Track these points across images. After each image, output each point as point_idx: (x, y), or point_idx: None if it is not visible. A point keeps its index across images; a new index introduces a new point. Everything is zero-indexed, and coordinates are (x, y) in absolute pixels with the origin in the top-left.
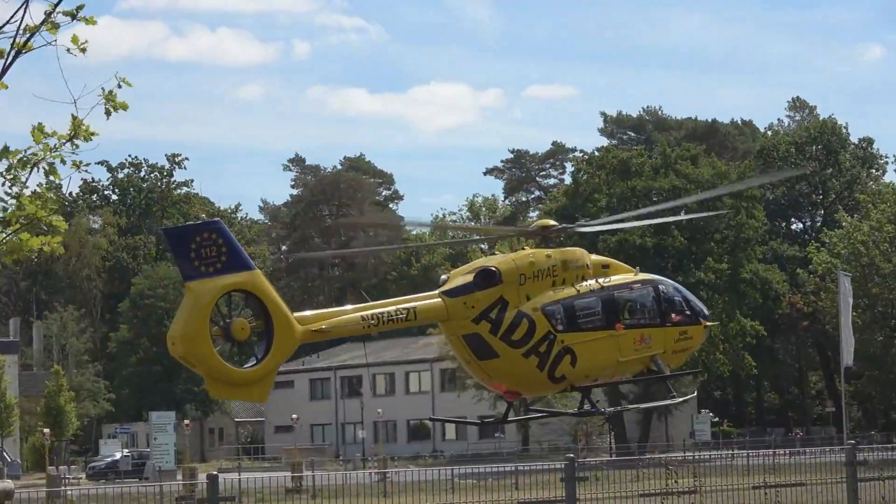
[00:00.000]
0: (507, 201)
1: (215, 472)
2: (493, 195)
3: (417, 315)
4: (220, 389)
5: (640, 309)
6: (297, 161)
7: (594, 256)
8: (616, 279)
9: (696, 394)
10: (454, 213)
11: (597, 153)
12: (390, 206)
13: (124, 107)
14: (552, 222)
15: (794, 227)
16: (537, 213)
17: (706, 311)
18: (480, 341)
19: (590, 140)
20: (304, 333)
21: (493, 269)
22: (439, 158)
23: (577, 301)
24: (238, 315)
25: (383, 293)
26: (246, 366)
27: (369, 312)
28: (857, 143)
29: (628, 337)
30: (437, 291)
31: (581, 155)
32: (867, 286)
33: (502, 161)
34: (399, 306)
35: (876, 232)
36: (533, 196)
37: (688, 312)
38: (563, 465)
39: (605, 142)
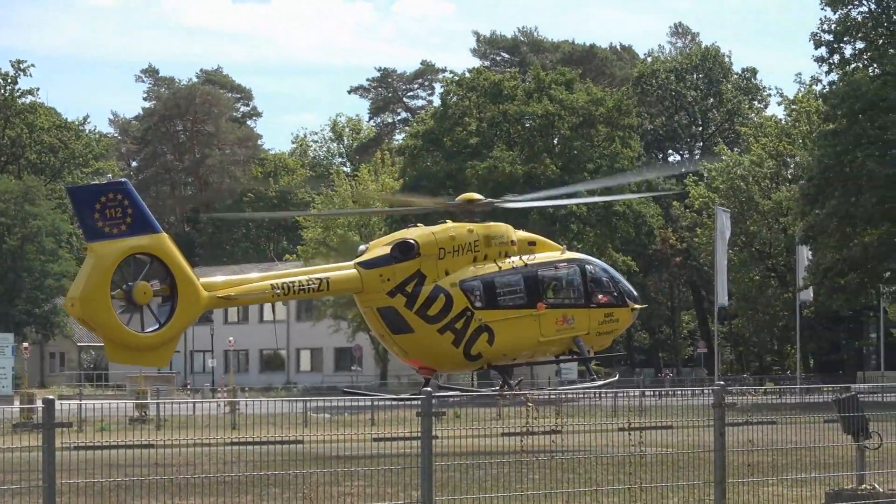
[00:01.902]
0: (371, 122)
1: (52, 397)
2: (357, 115)
3: (331, 286)
4: (119, 353)
5: (565, 288)
6: (151, 72)
7: (521, 233)
8: (541, 257)
9: (617, 377)
10: (315, 133)
11: (468, 74)
12: (248, 122)
13: None
14: (477, 196)
15: (671, 158)
16: (403, 135)
17: (635, 293)
18: (395, 315)
19: (462, 61)
20: (209, 300)
21: (412, 241)
22: (302, 75)
23: (498, 278)
24: (141, 278)
25: (239, 213)
26: (147, 330)
27: (280, 281)
28: (739, 73)
29: (550, 317)
30: (352, 262)
31: (451, 76)
32: (745, 223)
33: (368, 80)
34: (312, 276)
35: (756, 167)
36: (399, 117)
37: (615, 294)
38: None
39: (477, 63)
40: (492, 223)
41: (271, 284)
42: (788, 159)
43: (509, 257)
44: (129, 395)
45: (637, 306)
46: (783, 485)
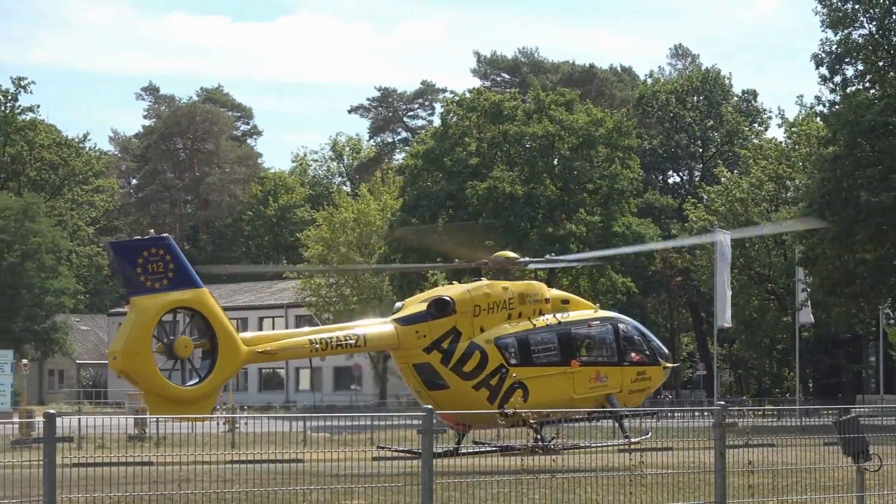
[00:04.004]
0: (371, 141)
1: (53, 411)
2: (357, 134)
3: (367, 342)
4: (160, 406)
5: (598, 346)
6: (151, 90)
7: (554, 291)
8: (574, 315)
9: (650, 434)
10: (315, 152)
11: (468, 94)
12: (248, 141)
13: None
14: (511, 254)
15: (671, 180)
16: (403, 154)
17: (666, 351)
18: (431, 371)
19: (462, 81)
20: (248, 354)
21: (448, 298)
22: (302, 94)
23: (533, 335)
24: (182, 333)
25: (238, 233)
26: (188, 383)
27: (318, 336)
28: (740, 95)
29: (583, 374)
30: (390, 318)
31: (451, 96)
32: (744, 246)
33: (368, 99)
34: (349, 331)
35: (755, 189)
36: (399, 137)
37: (646, 352)
38: (421, 417)
39: (477, 83)
40: (526, 282)
41: (310, 340)
42: (788, 182)
43: (543, 315)
44: (129, 412)
45: (669, 365)
46: None
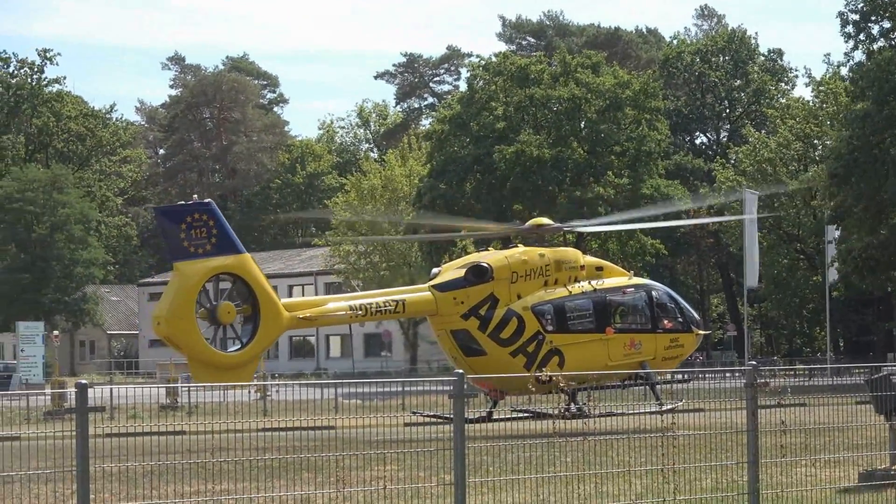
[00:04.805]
0: (398, 108)
1: (85, 381)
2: (383, 101)
3: (406, 307)
4: (203, 372)
5: (632, 314)
6: (177, 60)
7: (588, 258)
8: (609, 282)
9: (682, 402)
10: (342, 119)
11: (494, 59)
12: (274, 109)
13: None
14: (546, 221)
15: (698, 141)
16: (430, 120)
17: (699, 319)
18: (468, 337)
19: (487, 45)
20: (290, 320)
21: (485, 265)
22: (328, 61)
23: (569, 302)
24: (225, 298)
25: (266, 201)
26: (230, 349)
27: (357, 302)
28: (766, 54)
29: (618, 341)
30: (427, 284)
31: (477, 60)
32: (773, 206)
33: (394, 65)
34: (388, 297)
35: (783, 149)
36: (426, 103)
37: (679, 319)
38: (452, 382)
39: (503, 47)
40: (562, 248)
41: (349, 305)
42: (816, 141)
43: (578, 282)
44: (160, 382)
45: (701, 332)
46: (816, 465)
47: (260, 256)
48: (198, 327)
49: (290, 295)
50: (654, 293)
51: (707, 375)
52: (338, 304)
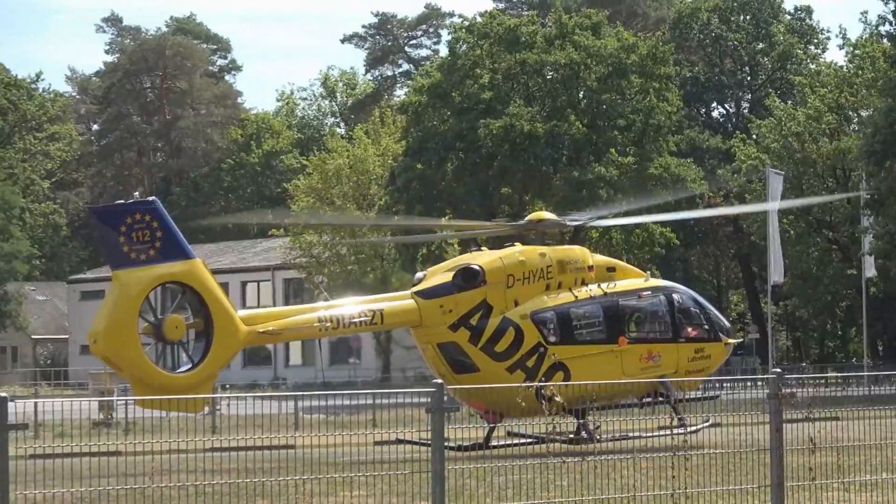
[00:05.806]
0: (368, 76)
1: (4, 395)
2: (352, 68)
3: (384, 318)
4: (148, 395)
5: (649, 321)
6: (114, 21)
7: (598, 257)
8: (622, 285)
9: (709, 422)
10: (304, 90)
11: (479, 19)
12: (226, 77)
13: None
14: (547, 215)
15: (714, 113)
16: (405, 90)
17: (727, 325)
18: (458, 351)
19: (471, 3)
20: (248, 335)
21: (476, 267)
22: (288, 22)
23: (575, 309)
24: (172, 311)
25: (216, 184)
26: (180, 370)
27: (328, 314)
28: (792, 12)
29: (633, 353)
30: (409, 291)
31: (460, 21)
32: (801, 188)
33: (364, 27)
34: (364, 307)
35: (813, 122)
36: (400, 70)
37: (705, 326)
38: (429, 394)
39: (490, 5)
40: (567, 246)
41: (318, 318)
42: (851, 112)
43: (586, 285)
44: (93, 394)
45: (731, 341)
46: (850, 489)
47: (209, 249)
48: (140, 345)
49: (244, 293)
50: (675, 296)
51: (724, 385)
52: (304, 316)
